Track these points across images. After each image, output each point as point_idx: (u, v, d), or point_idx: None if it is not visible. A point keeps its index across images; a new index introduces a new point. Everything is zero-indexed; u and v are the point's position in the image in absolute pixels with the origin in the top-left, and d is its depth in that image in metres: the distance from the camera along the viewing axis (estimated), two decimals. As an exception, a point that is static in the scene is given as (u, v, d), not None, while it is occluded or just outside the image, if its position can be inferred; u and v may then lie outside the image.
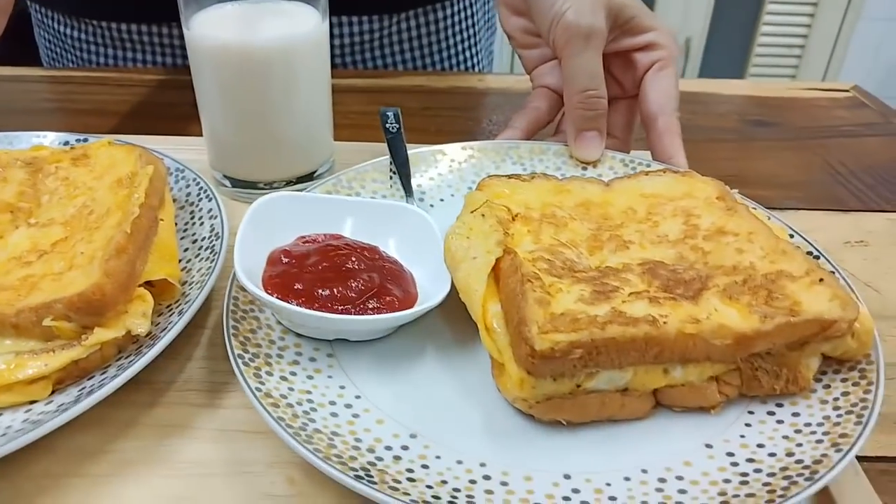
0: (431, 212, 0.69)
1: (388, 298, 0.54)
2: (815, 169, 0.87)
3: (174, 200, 0.66)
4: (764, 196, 0.68)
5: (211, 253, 0.58)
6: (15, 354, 0.49)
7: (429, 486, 0.42)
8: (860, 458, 0.47)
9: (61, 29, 1.09)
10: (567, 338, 0.45)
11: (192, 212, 0.65)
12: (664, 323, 0.46)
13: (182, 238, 0.63)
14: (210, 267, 0.56)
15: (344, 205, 0.62)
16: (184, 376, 0.54)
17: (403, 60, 1.13)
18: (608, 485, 0.44)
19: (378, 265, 0.56)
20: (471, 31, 1.18)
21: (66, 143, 0.73)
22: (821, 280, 0.50)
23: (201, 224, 0.63)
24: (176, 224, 0.63)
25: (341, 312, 0.52)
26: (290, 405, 0.46)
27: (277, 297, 0.52)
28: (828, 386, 0.50)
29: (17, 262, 0.54)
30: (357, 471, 0.42)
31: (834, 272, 0.57)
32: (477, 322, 0.50)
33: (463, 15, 1.15)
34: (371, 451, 0.44)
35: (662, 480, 0.44)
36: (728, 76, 2.76)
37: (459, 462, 0.45)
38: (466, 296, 0.51)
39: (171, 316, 0.53)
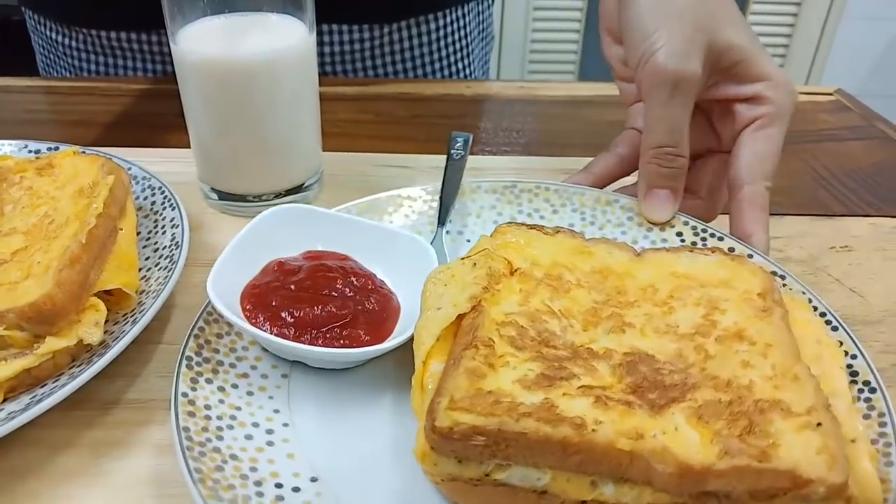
0: (467, 247, 0.66)
1: (354, 331, 0.53)
2: (799, 174, 0.87)
3: (139, 209, 0.66)
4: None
5: (170, 262, 0.59)
6: (-32, 363, 0.49)
7: (287, 538, 0.41)
8: None
9: (53, 36, 1.10)
10: (472, 420, 0.40)
11: (155, 220, 0.66)
12: (593, 430, 0.40)
13: (144, 247, 0.63)
14: (167, 276, 0.56)
15: (356, 225, 0.61)
16: (135, 390, 0.54)
17: (395, 71, 1.10)
18: None
19: (363, 295, 0.55)
20: (464, 41, 1.13)
21: (38, 151, 0.74)
22: (818, 425, 0.40)
23: (163, 233, 0.63)
24: (139, 233, 0.64)
25: (298, 338, 0.51)
26: (208, 417, 0.47)
27: (248, 310, 0.53)
28: (804, 555, 0.40)
29: None
30: (222, 500, 0.41)
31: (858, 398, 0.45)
32: (413, 378, 0.47)
33: (456, 25, 1.09)
34: (258, 483, 0.44)
35: None
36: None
37: (342, 520, 0.43)
38: (415, 347, 0.48)
39: (125, 325, 0.53)
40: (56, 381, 0.50)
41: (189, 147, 0.75)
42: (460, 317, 0.49)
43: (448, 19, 1.11)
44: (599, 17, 0.75)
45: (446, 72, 1.15)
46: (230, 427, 0.47)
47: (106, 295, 0.55)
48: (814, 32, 2.69)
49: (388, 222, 0.66)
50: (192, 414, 0.46)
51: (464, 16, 1.13)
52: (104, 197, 0.58)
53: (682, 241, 0.64)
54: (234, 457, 0.45)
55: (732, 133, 0.66)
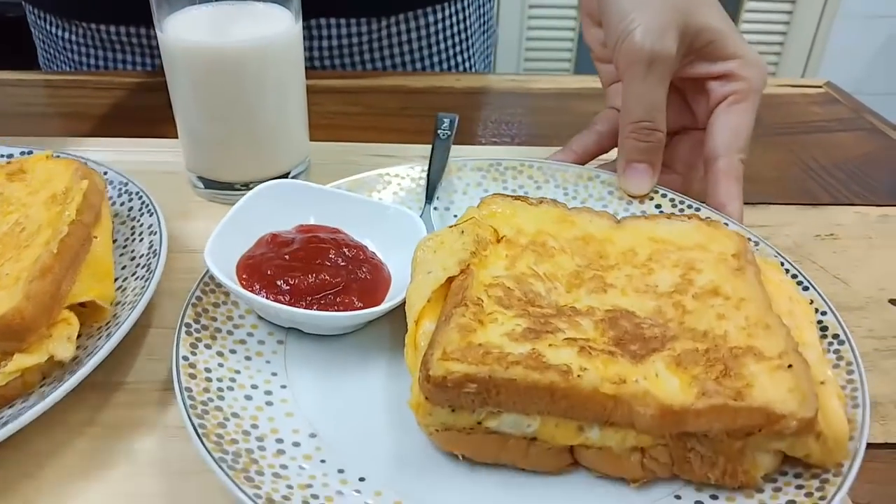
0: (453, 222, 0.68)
1: (347, 298, 0.54)
2: (788, 165, 0.88)
3: (115, 215, 0.63)
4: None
5: (147, 272, 0.56)
6: (-69, 382, 0.46)
7: (289, 487, 0.42)
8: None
9: (53, 30, 1.09)
10: (464, 369, 0.42)
11: (132, 227, 0.62)
12: (578, 376, 0.42)
13: (121, 255, 0.60)
14: (144, 286, 0.54)
15: (348, 200, 0.63)
16: (128, 373, 0.54)
17: (394, 65, 1.10)
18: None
19: (355, 264, 0.57)
20: (464, 34, 1.13)
21: (10, 155, 0.70)
22: (789, 366, 0.43)
23: (141, 240, 0.60)
24: (115, 240, 0.61)
25: (293, 305, 0.53)
26: (209, 379, 0.49)
27: (244, 279, 0.55)
28: (779, 489, 0.43)
29: None
30: (227, 453, 0.43)
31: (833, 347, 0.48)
32: (406, 336, 0.49)
33: (455, 19, 1.10)
34: (260, 439, 0.45)
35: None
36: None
37: (341, 471, 0.44)
38: (407, 309, 0.50)
39: (99, 339, 0.51)
40: (25, 401, 0.47)
41: (177, 138, 0.75)
42: (450, 280, 0.51)
43: (448, 12, 1.09)
44: (579, 1, 0.77)
45: (445, 65, 1.14)
46: (230, 388, 0.49)
47: (79, 307, 0.52)
48: (809, 30, 2.69)
49: (377, 199, 0.68)
50: (193, 376, 0.48)
51: (464, 9, 1.12)
52: (77, 203, 0.56)
53: (661, 212, 0.67)
54: (235, 415, 0.47)
55: (707, 110, 0.69)
